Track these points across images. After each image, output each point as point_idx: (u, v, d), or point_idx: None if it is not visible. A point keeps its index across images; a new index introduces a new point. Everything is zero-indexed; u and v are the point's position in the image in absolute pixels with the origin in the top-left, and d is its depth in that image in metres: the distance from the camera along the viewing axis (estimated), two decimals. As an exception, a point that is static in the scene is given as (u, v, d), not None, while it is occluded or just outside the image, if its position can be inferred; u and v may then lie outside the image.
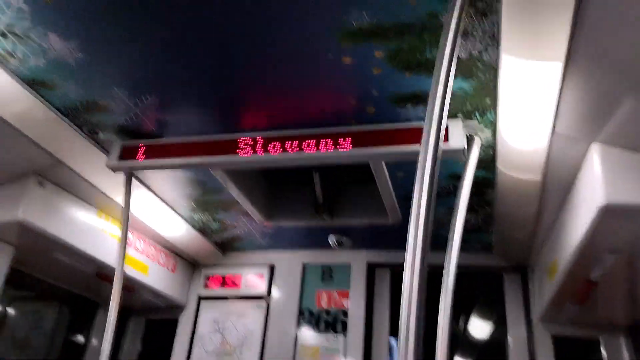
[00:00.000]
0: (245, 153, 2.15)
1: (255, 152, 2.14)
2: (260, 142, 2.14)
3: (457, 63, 1.70)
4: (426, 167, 1.21)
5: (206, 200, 2.85)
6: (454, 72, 1.28)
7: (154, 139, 2.30)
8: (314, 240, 3.27)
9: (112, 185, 2.57)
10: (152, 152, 2.27)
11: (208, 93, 2.01)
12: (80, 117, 2.19)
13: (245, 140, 2.16)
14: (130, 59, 1.86)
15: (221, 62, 1.83)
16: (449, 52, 1.27)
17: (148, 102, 2.09)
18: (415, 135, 1.97)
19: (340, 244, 3.18)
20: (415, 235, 1.16)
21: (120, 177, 2.43)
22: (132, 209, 2.55)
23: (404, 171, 2.36)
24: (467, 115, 1.97)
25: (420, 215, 1.18)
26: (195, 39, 1.72)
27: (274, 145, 2.12)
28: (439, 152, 1.22)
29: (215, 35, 1.70)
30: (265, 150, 2.12)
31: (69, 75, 1.94)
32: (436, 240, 2.96)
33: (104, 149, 2.40)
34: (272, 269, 3.45)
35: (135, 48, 1.80)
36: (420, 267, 1.13)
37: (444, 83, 1.26)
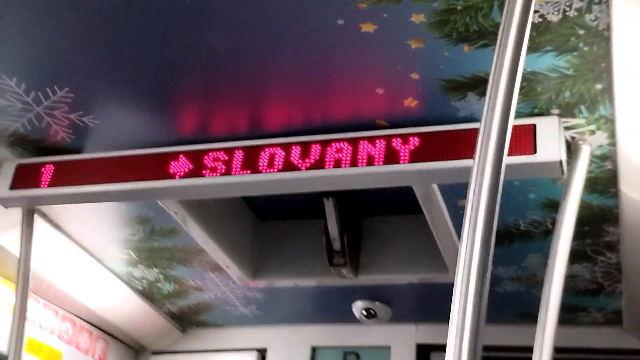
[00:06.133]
0: (213, 173, 2.24)
1: (229, 171, 2.23)
2: (239, 156, 2.24)
3: (546, 28, 1.76)
4: (482, 190, 1.28)
5: (154, 248, 2.93)
6: (527, 39, 1.34)
7: (67, 155, 2.40)
8: (329, 309, 3.33)
9: (2, 227, 2.65)
10: (65, 176, 2.36)
11: (156, 82, 2.10)
12: (-49, 121, 2.30)
13: (215, 154, 2.25)
14: (30, 36, 1.95)
15: (175, 37, 1.92)
16: (520, 8, 1.33)
17: (57, 97, 2.18)
18: (483, 142, 2.04)
19: (372, 315, 3.23)
20: (463, 300, 1.22)
21: (16, 214, 2.52)
22: (35, 263, 2.64)
23: (470, 198, 2.43)
24: (568, 111, 2.02)
25: (472, 268, 1.25)
26: (135, 8, 1.82)
27: (258, 161, 2.21)
28: (502, 167, 1.29)
29: (167, 4, 1.80)
30: (247, 168, 2.21)
31: None
32: (526, 306, 3.13)
33: (-10, 170, 2.51)
34: (263, 357, 3.53)
35: (38, 21, 1.89)
36: (470, 349, 1.19)
37: (513, 56, 1.33)
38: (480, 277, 1.24)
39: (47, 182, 2.38)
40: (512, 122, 1.32)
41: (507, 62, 1.33)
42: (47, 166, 2.40)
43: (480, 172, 1.28)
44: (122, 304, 3.29)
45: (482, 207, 1.26)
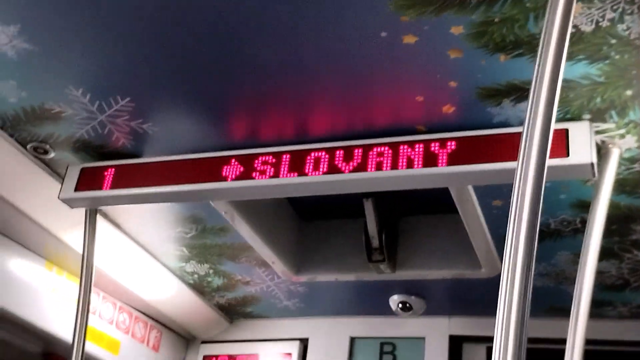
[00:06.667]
0: (263, 175, 2.26)
1: (278, 174, 2.25)
2: (287, 159, 2.26)
3: (579, 38, 1.76)
4: (526, 191, 1.28)
5: (205, 245, 2.97)
6: (566, 52, 1.34)
7: (127, 160, 2.44)
8: (367, 302, 3.34)
9: (67, 226, 2.72)
10: (125, 178, 2.40)
11: (209, 92, 2.13)
12: (22, 129, 2.35)
13: (265, 157, 2.28)
14: (95, 50, 1.99)
15: (228, 49, 1.95)
16: (559, 20, 1.33)
17: (119, 107, 2.22)
18: (517, 146, 2.03)
19: (407, 308, 3.24)
20: (509, 296, 1.22)
21: (80, 214, 2.56)
22: (97, 258, 2.68)
23: (503, 199, 2.42)
24: (598, 116, 2.01)
25: (517, 265, 1.25)
26: (191, 17, 1.84)
27: (305, 164, 2.23)
28: (544, 169, 1.29)
29: (221, 12, 1.82)
30: (294, 171, 2.23)
31: (7, 72, 2.10)
32: (555, 301, 3.12)
33: (57, 173, 2.56)
34: (304, 346, 3.56)
35: (103, 36, 1.94)
36: (515, 340, 1.19)
37: (553, 67, 1.33)
38: (525, 273, 1.24)
39: (109, 185, 2.42)
40: (553, 125, 1.33)
41: (548, 71, 1.34)
42: (109, 170, 2.44)
43: (524, 173, 1.28)
44: (175, 297, 3.33)
45: (525, 206, 1.27)
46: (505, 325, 1.20)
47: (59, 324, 2.94)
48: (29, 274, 2.88)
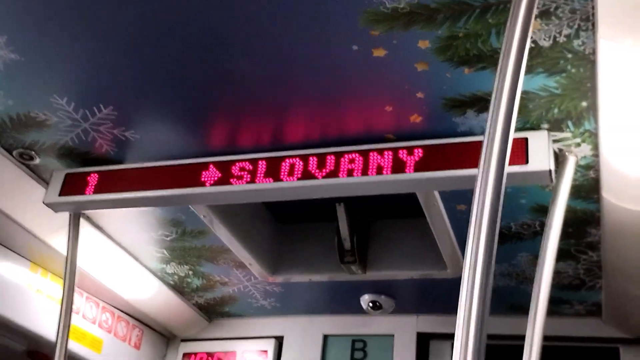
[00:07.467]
0: (240, 181, 2.26)
1: (254, 180, 2.24)
2: (263, 166, 2.25)
3: (538, 52, 1.78)
4: (486, 196, 1.28)
5: (185, 248, 2.95)
6: (524, 63, 1.36)
7: (110, 166, 2.43)
8: (340, 302, 3.34)
9: (51, 229, 2.69)
10: (108, 184, 2.39)
11: (189, 101, 2.13)
12: (8, 136, 2.33)
13: (241, 164, 2.27)
14: (80, 60, 1.98)
15: (208, 61, 1.94)
16: (519, 36, 1.35)
17: (102, 115, 2.20)
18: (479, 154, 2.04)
19: (377, 307, 3.24)
20: (469, 295, 1.23)
21: (64, 218, 2.54)
22: (80, 260, 2.66)
23: (467, 203, 2.43)
24: (556, 125, 2.03)
25: (478, 266, 1.25)
26: (172, 30, 1.84)
27: (280, 170, 2.23)
28: (504, 176, 1.30)
29: (200, 25, 1.81)
30: (270, 177, 2.23)
31: (-6, 80, 2.08)
32: (515, 299, 3.15)
33: (42, 179, 2.54)
34: (279, 343, 3.55)
35: (87, 47, 1.93)
36: (475, 337, 1.19)
37: (513, 79, 1.35)
38: (485, 273, 1.25)
39: (92, 189, 2.40)
40: (512, 133, 1.34)
41: (507, 83, 1.35)
42: (92, 175, 2.42)
43: (484, 180, 1.29)
44: (156, 297, 3.31)
45: (486, 210, 1.27)
46: (466, 323, 1.20)
47: (43, 323, 2.90)
48: (15, 275, 2.85)
